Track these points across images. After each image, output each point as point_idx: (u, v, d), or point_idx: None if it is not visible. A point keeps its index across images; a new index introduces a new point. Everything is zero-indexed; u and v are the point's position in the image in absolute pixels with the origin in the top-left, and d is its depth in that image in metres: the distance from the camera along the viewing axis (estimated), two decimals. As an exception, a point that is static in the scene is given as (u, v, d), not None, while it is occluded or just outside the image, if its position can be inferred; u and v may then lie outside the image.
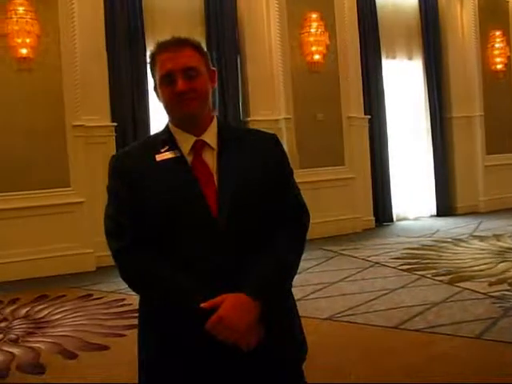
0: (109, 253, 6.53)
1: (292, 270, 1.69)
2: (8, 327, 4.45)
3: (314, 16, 7.56)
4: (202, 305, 1.53)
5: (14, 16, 5.93)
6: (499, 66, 9.32)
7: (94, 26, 6.53)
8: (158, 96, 1.74)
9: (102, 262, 6.38)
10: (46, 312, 4.83)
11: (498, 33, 9.25)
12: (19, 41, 5.96)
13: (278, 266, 1.64)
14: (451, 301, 4.61)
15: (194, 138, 1.68)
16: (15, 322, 4.57)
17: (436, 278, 5.34)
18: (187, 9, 7.26)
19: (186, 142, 1.68)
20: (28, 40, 5.98)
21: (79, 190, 6.35)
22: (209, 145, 1.69)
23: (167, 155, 1.66)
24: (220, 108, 7.25)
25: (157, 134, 1.78)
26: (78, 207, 6.34)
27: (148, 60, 1.75)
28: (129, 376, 3.39)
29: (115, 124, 6.68)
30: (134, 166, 1.67)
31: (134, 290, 1.68)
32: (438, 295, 4.78)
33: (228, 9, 7.38)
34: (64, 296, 5.28)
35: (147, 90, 6.85)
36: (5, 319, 4.67)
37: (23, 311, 4.86)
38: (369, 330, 4.06)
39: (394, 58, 8.88)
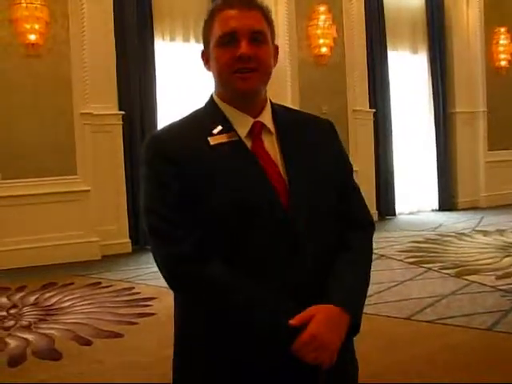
0: (114, 241, 6.44)
1: (369, 280, 1.49)
2: (19, 314, 4.44)
3: (322, 9, 7.54)
4: (291, 321, 1.28)
5: (23, 2, 5.87)
6: (503, 63, 9.35)
7: (102, 12, 6.47)
8: (205, 63, 1.45)
9: (107, 251, 6.40)
10: (55, 299, 4.82)
11: (502, 29, 9.27)
12: (28, 27, 5.90)
13: (361, 276, 1.44)
14: (460, 293, 4.65)
15: (252, 120, 1.41)
16: (25, 309, 4.56)
17: (443, 270, 5.38)
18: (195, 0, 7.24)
19: (242, 123, 1.40)
20: (37, 26, 5.92)
21: (86, 178, 6.32)
22: (268, 128, 1.43)
23: (223, 138, 1.37)
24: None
25: (202, 112, 1.46)
26: (84, 195, 6.31)
27: (205, 17, 1.44)
28: (147, 361, 3.42)
29: (123, 112, 6.65)
30: (183, 150, 1.35)
31: (195, 303, 1.39)
32: (446, 288, 4.81)
33: None
34: (72, 284, 5.27)
35: (155, 78, 6.85)
36: (14, 306, 4.66)
37: (32, 298, 4.85)
38: (381, 321, 4.09)
39: (399, 51, 8.88)
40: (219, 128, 1.39)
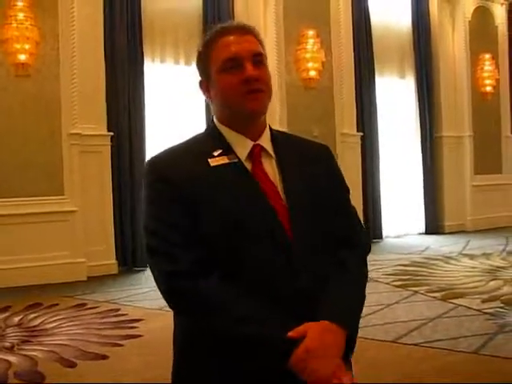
0: (101, 262, 6.42)
1: (365, 298, 1.50)
2: (1, 335, 4.38)
3: (311, 33, 7.65)
4: (290, 333, 1.29)
5: (13, 22, 5.91)
6: (488, 88, 9.52)
7: (93, 33, 6.54)
8: (204, 92, 1.48)
9: (93, 272, 6.35)
10: (39, 320, 4.75)
11: (487, 56, 9.46)
12: (18, 47, 5.93)
13: (356, 295, 1.46)
14: (447, 316, 4.65)
15: (252, 142, 1.44)
16: (9, 330, 4.49)
17: (429, 294, 5.38)
18: (186, 23, 7.30)
19: (242, 145, 1.44)
20: (27, 46, 5.95)
21: (73, 199, 6.29)
22: (267, 151, 1.47)
23: (223, 160, 1.41)
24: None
25: (203, 135, 1.51)
26: (71, 216, 6.28)
27: (200, 48, 1.48)
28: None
29: (111, 133, 6.66)
30: (183, 172, 1.39)
31: (194, 320, 1.39)
32: (432, 311, 4.81)
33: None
34: (57, 305, 5.21)
35: (144, 100, 6.88)
36: (-2, 327, 4.60)
37: (16, 319, 4.78)
38: (367, 343, 4.08)
39: (386, 76, 9.01)
40: (220, 150, 1.42)
